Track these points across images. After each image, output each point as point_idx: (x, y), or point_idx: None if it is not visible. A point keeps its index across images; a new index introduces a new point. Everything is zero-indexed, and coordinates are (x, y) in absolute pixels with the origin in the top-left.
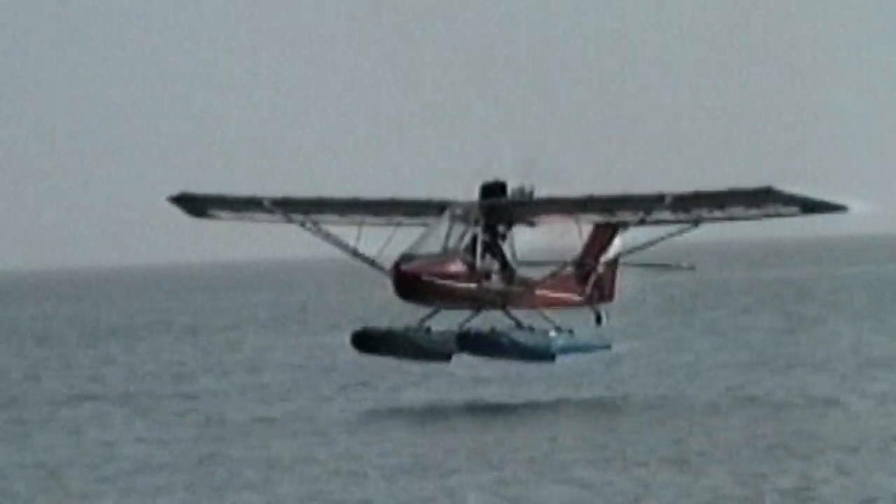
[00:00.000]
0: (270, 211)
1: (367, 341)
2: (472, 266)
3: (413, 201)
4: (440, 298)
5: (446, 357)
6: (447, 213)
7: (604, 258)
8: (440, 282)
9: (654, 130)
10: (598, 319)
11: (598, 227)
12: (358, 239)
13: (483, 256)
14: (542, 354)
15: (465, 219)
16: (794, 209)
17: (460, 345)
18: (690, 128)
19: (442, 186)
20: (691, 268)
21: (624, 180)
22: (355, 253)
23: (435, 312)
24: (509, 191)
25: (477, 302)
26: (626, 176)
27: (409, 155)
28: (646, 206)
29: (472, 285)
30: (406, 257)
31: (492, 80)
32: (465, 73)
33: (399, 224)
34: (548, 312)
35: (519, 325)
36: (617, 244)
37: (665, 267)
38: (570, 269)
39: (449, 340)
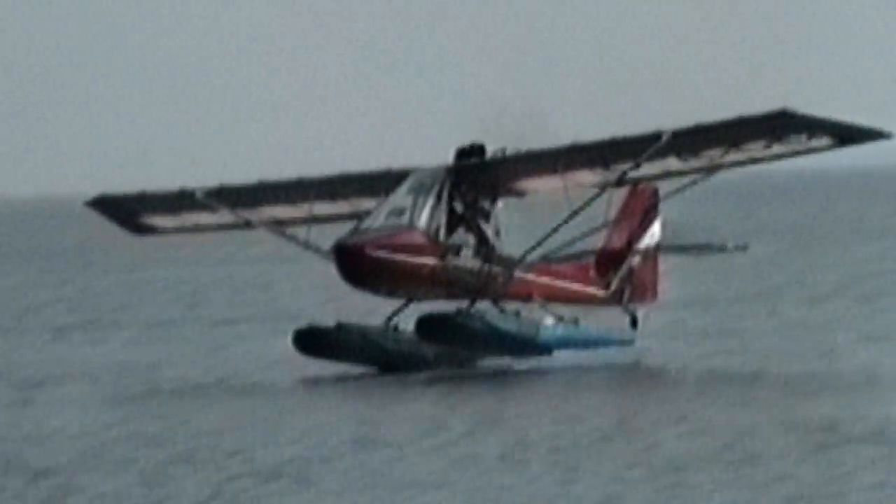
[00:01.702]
0: (207, 206)
1: (311, 342)
2: (433, 239)
3: (369, 174)
4: (394, 280)
5: (420, 362)
6: (409, 182)
7: (639, 242)
8: (392, 258)
9: (653, 69)
10: (634, 323)
11: (630, 201)
12: (309, 228)
13: (452, 230)
14: (530, 344)
15: (430, 187)
16: (825, 140)
17: (419, 330)
18: (694, 63)
19: (415, 155)
20: (743, 247)
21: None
22: (307, 245)
23: (405, 305)
24: (489, 154)
25: (442, 284)
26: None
27: (377, 122)
28: (641, 147)
29: (433, 261)
30: (352, 233)
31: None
32: (433, 22)
33: (357, 210)
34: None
35: (502, 310)
36: (657, 226)
37: (706, 249)
38: (589, 256)
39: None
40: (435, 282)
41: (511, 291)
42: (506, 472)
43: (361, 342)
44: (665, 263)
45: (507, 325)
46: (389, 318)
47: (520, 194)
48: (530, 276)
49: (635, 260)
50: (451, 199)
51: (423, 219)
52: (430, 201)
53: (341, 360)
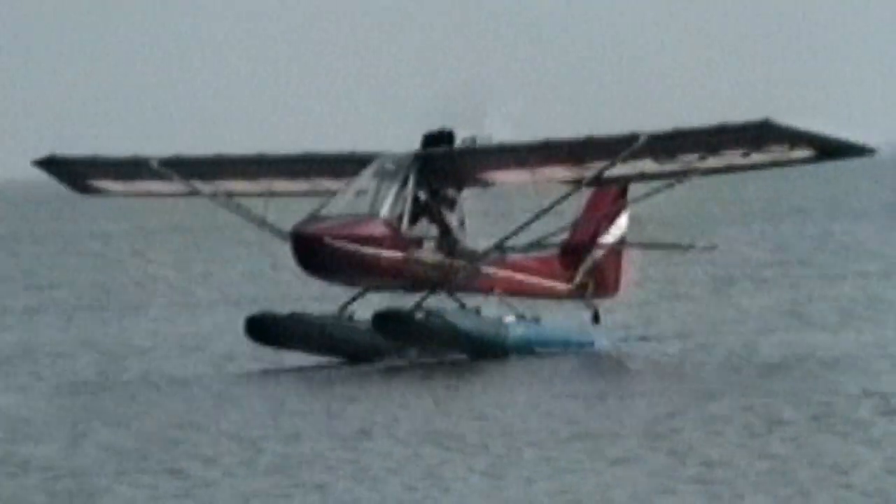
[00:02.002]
0: (161, 175)
1: (263, 330)
2: (395, 230)
3: (332, 156)
4: (353, 272)
5: (374, 353)
6: (373, 167)
7: (605, 236)
8: (352, 249)
9: (635, 69)
10: (596, 318)
11: (598, 194)
12: (267, 206)
13: (415, 220)
14: (490, 344)
15: (395, 175)
16: (807, 152)
17: (376, 325)
18: (677, 65)
19: (385, 139)
20: (712, 247)
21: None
22: (263, 222)
23: (361, 294)
24: (458, 142)
25: (403, 278)
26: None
27: (348, 106)
28: (616, 148)
29: (396, 254)
30: (310, 218)
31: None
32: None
33: (316, 189)
34: (513, 302)
35: (462, 306)
36: (624, 219)
37: (674, 247)
38: (552, 248)
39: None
40: (395, 274)
41: (473, 285)
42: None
43: (316, 331)
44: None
45: (467, 323)
46: (344, 307)
47: (487, 185)
48: (492, 270)
49: (599, 254)
50: (416, 187)
51: (385, 208)
52: (394, 189)
53: (294, 349)
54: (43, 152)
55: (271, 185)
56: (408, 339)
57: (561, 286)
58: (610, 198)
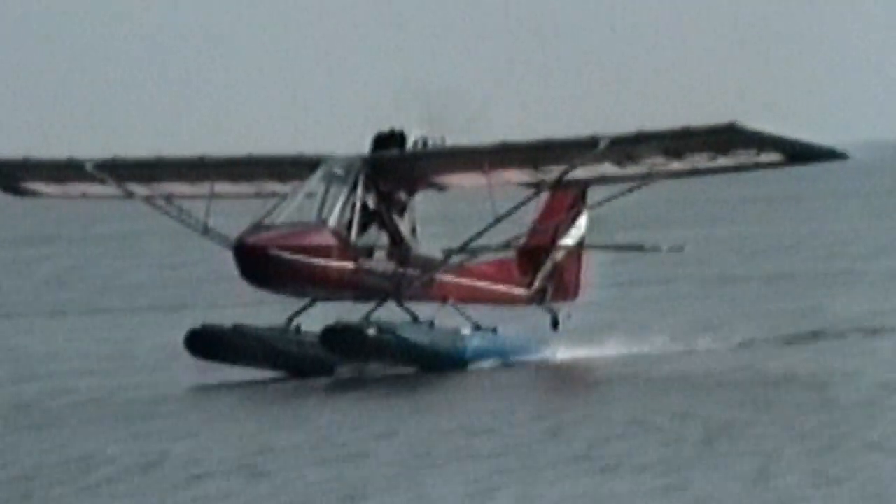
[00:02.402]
0: (96, 178)
1: (203, 344)
2: (345, 239)
3: (277, 158)
4: (299, 283)
5: (322, 367)
6: (320, 172)
7: (564, 238)
8: (296, 259)
9: (607, 66)
10: (555, 323)
11: (557, 195)
12: (208, 211)
13: (364, 228)
14: (446, 358)
15: (343, 179)
16: (775, 156)
17: (324, 342)
18: (654, 63)
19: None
20: (679, 249)
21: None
22: (206, 229)
23: (309, 305)
24: (410, 143)
25: (353, 288)
26: (565, 124)
27: (293, 105)
28: (575, 153)
29: (344, 264)
30: (254, 227)
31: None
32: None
33: (261, 191)
34: (469, 310)
35: (415, 318)
36: (583, 220)
37: (638, 248)
38: (508, 252)
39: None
40: (344, 285)
41: (427, 294)
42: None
43: (259, 345)
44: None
45: (420, 337)
46: (291, 319)
47: (441, 188)
48: (447, 278)
49: (559, 256)
50: (365, 193)
51: (333, 216)
52: (343, 196)
53: (237, 364)
54: None
55: (213, 188)
56: (357, 355)
57: (519, 292)
58: (569, 199)
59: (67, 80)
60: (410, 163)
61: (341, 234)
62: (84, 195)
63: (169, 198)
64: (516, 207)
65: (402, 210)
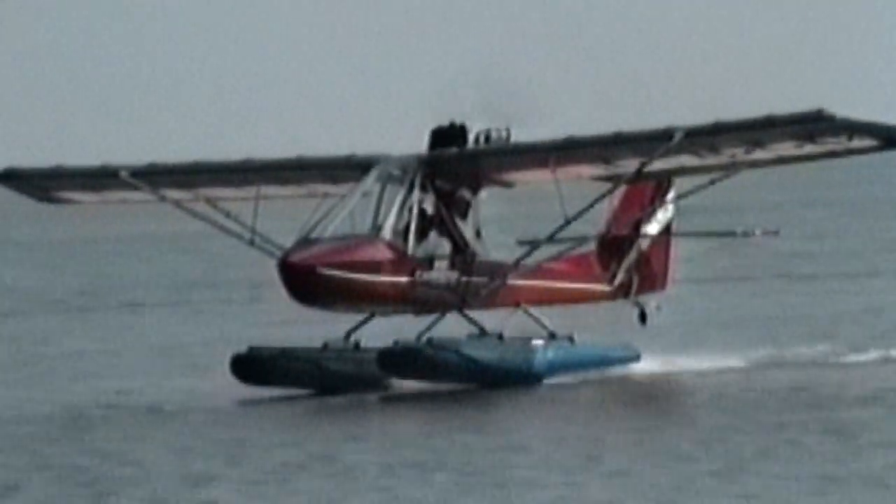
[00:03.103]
0: (131, 185)
1: (250, 369)
2: (400, 251)
3: (328, 161)
4: (351, 301)
5: (375, 384)
6: (373, 175)
7: (649, 225)
8: (349, 277)
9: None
10: (643, 317)
11: (638, 184)
12: (254, 219)
13: (424, 234)
14: (516, 374)
15: (399, 182)
16: (870, 142)
17: (382, 366)
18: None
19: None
20: (774, 232)
21: (631, 121)
22: (252, 242)
23: (367, 320)
24: (471, 137)
25: (410, 303)
26: (634, 115)
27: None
28: (648, 146)
29: (399, 279)
30: (301, 242)
31: None
32: None
33: (313, 195)
34: (542, 311)
35: (482, 331)
36: (670, 207)
37: (729, 235)
38: (588, 246)
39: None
40: (402, 301)
41: (497, 301)
42: None
43: (307, 367)
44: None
45: (485, 353)
46: (348, 335)
47: (507, 185)
48: (518, 282)
49: (644, 245)
50: (423, 195)
51: (388, 225)
52: (398, 201)
53: (287, 387)
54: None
55: (259, 193)
56: (417, 375)
57: (600, 287)
58: (652, 183)
59: (105, 83)
60: (471, 161)
61: (396, 244)
62: (122, 201)
63: (212, 203)
64: (590, 206)
65: (465, 211)
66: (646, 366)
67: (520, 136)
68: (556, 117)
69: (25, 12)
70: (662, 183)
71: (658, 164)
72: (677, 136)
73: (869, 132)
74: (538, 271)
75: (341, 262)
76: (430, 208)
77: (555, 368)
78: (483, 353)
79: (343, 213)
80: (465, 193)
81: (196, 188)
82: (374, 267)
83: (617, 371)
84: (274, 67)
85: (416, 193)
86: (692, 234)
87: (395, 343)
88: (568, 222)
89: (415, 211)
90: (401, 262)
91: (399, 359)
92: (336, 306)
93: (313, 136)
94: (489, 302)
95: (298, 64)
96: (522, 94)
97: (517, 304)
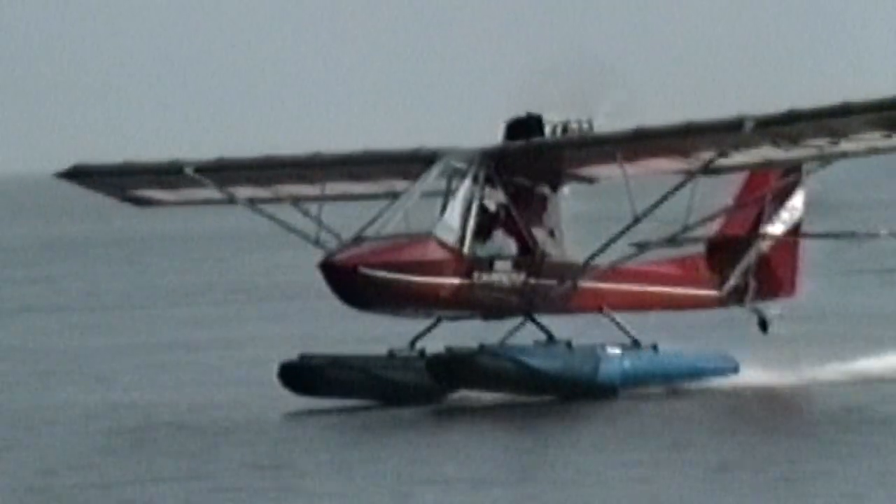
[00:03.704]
0: (196, 182)
1: (299, 378)
2: (455, 251)
3: (393, 154)
4: (401, 304)
5: (431, 395)
6: (435, 169)
7: (771, 224)
8: (396, 279)
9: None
10: (763, 325)
11: (756, 175)
12: (319, 218)
13: (488, 233)
14: (584, 384)
15: (461, 178)
16: None
17: (430, 373)
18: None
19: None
20: None
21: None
22: (318, 240)
23: (434, 325)
24: (548, 128)
25: (467, 307)
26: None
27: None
28: (717, 137)
29: (452, 281)
30: (350, 242)
31: None
32: None
33: (380, 192)
34: (626, 317)
35: (551, 338)
36: (799, 201)
37: (852, 236)
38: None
39: None
40: (456, 304)
41: (572, 305)
42: None
43: (360, 376)
44: None
45: (546, 362)
46: (414, 341)
47: (588, 181)
48: (601, 285)
49: (765, 247)
50: (488, 192)
51: (445, 223)
52: (459, 198)
53: (339, 397)
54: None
55: (325, 190)
56: (469, 385)
57: (706, 292)
58: (774, 178)
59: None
60: (536, 154)
61: (450, 244)
62: (192, 200)
63: (292, 201)
64: (658, 203)
65: (539, 208)
66: (750, 377)
67: (604, 129)
68: (643, 110)
69: (97, 10)
70: (789, 180)
71: (740, 157)
72: (747, 126)
73: None
74: (628, 274)
75: (386, 263)
76: (493, 205)
77: (631, 379)
78: (544, 361)
79: (399, 210)
80: (542, 189)
81: (265, 185)
82: (423, 268)
83: (714, 382)
84: (349, 59)
85: (478, 190)
86: (810, 236)
87: (448, 350)
88: (637, 220)
89: (474, 208)
90: (455, 262)
91: (449, 367)
92: (383, 309)
93: (388, 130)
94: (564, 306)
95: (373, 54)
96: (608, 84)
97: (600, 309)
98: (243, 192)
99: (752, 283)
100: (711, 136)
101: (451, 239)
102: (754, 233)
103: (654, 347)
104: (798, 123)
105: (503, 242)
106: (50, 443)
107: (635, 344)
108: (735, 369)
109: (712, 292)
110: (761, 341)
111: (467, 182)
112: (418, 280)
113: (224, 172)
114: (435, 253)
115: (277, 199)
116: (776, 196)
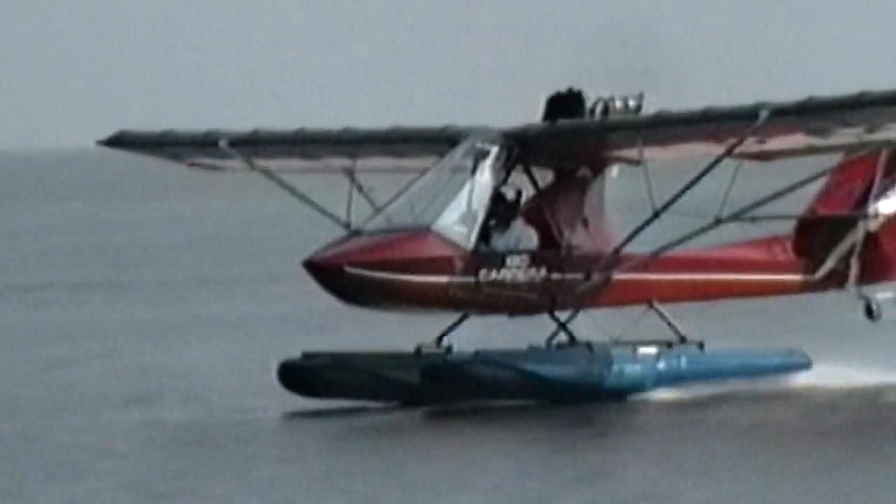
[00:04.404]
0: (229, 155)
1: (297, 378)
2: (458, 246)
3: (422, 133)
4: (394, 304)
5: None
6: (458, 152)
7: (879, 202)
8: (385, 278)
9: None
10: (870, 312)
11: (859, 158)
12: (351, 195)
13: (503, 225)
14: (605, 388)
15: (475, 165)
16: None
17: (424, 380)
18: None
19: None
20: None
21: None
22: (348, 225)
23: (461, 321)
24: (588, 105)
25: (475, 307)
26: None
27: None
28: (733, 125)
29: (455, 280)
30: (347, 236)
31: None
32: None
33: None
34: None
35: (573, 339)
36: None
37: None
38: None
39: None
40: (461, 305)
41: (607, 300)
42: None
43: (361, 376)
44: None
45: (556, 368)
46: (440, 338)
47: (637, 162)
48: (647, 276)
49: (873, 226)
50: (505, 178)
51: (447, 215)
52: (468, 187)
53: (338, 398)
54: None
55: (356, 166)
56: (465, 396)
57: (792, 278)
58: (883, 156)
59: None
60: (555, 138)
61: (452, 239)
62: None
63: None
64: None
65: (574, 195)
66: (823, 374)
67: (656, 106)
68: (695, 87)
69: None
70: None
71: (776, 144)
72: (763, 115)
73: None
74: (685, 262)
75: (374, 261)
76: (513, 193)
77: (668, 380)
78: (553, 367)
79: (403, 202)
80: (582, 173)
81: (300, 160)
82: (418, 266)
83: (783, 380)
84: (394, 32)
85: (494, 175)
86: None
87: (442, 356)
88: (657, 215)
89: (487, 196)
90: (456, 259)
91: (440, 376)
92: (381, 308)
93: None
94: (596, 302)
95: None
96: (659, 60)
97: (649, 303)
98: (275, 167)
99: (856, 266)
100: (728, 124)
101: (453, 233)
102: (859, 211)
103: (700, 345)
104: (814, 113)
105: (522, 234)
106: None
107: (682, 341)
108: (805, 366)
109: (799, 277)
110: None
111: (482, 168)
112: (412, 280)
113: (258, 146)
114: (432, 249)
115: (313, 172)
116: (888, 172)
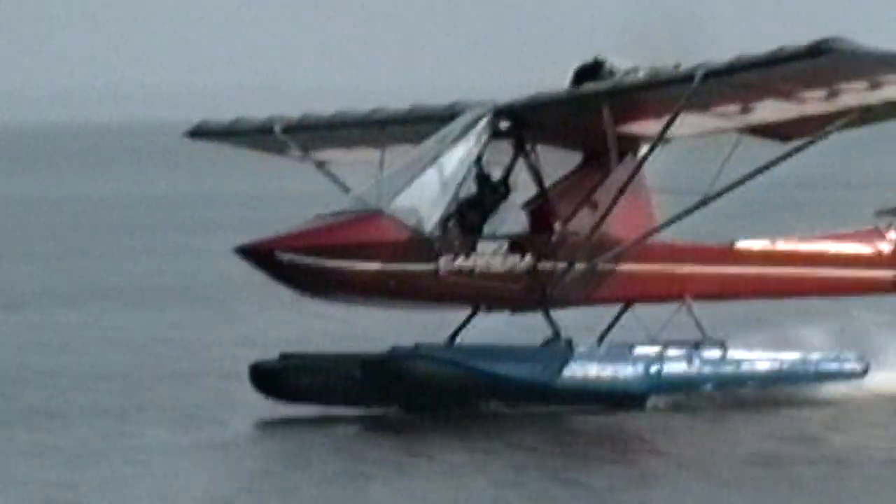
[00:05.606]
0: (283, 143)
1: (267, 382)
2: (417, 230)
3: (435, 111)
4: (343, 295)
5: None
6: (443, 131)
7: None
8: (320, 264)
9: None
10: None
11: None
12: (379, 189)
13: (485, 207)
14: (549, 391)
15: (455, 141)
16: None
17: (363, 377)
18: None
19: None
20: None
21: None
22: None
23: (471, 317)
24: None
25: (440, 298)
26: None
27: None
28: (670, 92)
29: (408, 268)
30: (310, 219)
31: None
32: None
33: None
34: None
35: (557, 334)
36: None
37: None
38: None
39: None
40: (418, 294)
41: (612, 294)
42: None
43: (330, 380)
44: None
45: (514, 368)
46: (453, 336)
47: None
48: (683, 269)
49: None
50: (488, 154)
51: (405, 196)
52: (442, 164)
53: (310, 403)
54: None
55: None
56: (406, 398)
57: (886, 274)
58: None
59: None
60: (541, 111)
61: (407, 222)
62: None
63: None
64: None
65: (589, 176)
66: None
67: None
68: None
69: None
70: None
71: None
72: (697, 77)
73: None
74: (721, 252)
75: (309, 246)
76: (499, 172)
77: (667, 386)
78: (509, 366)
79: (375, 178)
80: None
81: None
82: (360, 252)
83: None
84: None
85: (476, 151)
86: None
87: (386, 353)
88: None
89: (458, 176)
90: (409, 244)
91: (377, 375)
92: (330, 299)
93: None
94: (591, 296)
95: None
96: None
97: (679, 297)
98: (322, 154)
99: None
100: (666, 89)
101: (409, 215)
102: None
103: (722, 346)
104: (744, 73)
105: (506, 218)
106: None
107: (708, 341)
108: (860, 373)
109: (889, 272)
110: None
111: (461, 144)
112: (352, 267)
113: (308, 132)
114: (378, 233)
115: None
116: None
